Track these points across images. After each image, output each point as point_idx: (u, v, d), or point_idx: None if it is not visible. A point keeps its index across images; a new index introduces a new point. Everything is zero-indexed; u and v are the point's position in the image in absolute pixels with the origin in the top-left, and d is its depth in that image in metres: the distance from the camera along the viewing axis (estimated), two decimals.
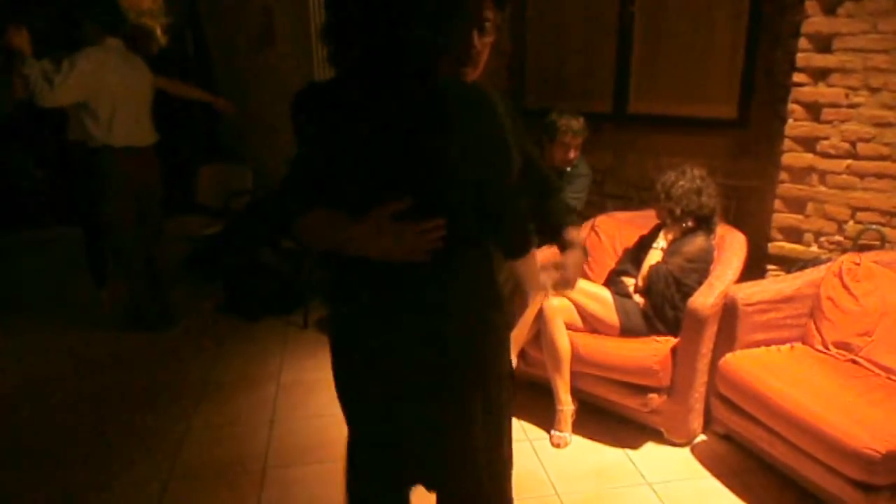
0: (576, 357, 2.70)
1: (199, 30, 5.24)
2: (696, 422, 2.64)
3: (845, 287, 2.61)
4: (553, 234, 1.59)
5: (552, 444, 2.68)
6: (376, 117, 1.20)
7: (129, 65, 3.43)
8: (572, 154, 3.34)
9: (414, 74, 1.19)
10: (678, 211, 2.71)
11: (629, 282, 2.85)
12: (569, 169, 3.40)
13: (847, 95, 2.75)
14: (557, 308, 2.72)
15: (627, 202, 3.69)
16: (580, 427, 2.74)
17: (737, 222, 3.08)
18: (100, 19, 3.37)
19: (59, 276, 4.63)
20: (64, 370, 3.35)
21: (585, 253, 1.64)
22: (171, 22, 5.65)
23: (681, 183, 2.71)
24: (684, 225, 2.75)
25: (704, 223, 2.75)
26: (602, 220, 3.33)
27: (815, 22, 2.75)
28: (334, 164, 1.25)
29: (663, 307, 2.67)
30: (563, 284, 1.52)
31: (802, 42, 2.79)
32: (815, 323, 2.62)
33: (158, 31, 4.70)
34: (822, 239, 2.92)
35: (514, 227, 1.33)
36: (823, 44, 2.76)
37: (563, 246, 1.58)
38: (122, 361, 3.45)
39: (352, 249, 1.25)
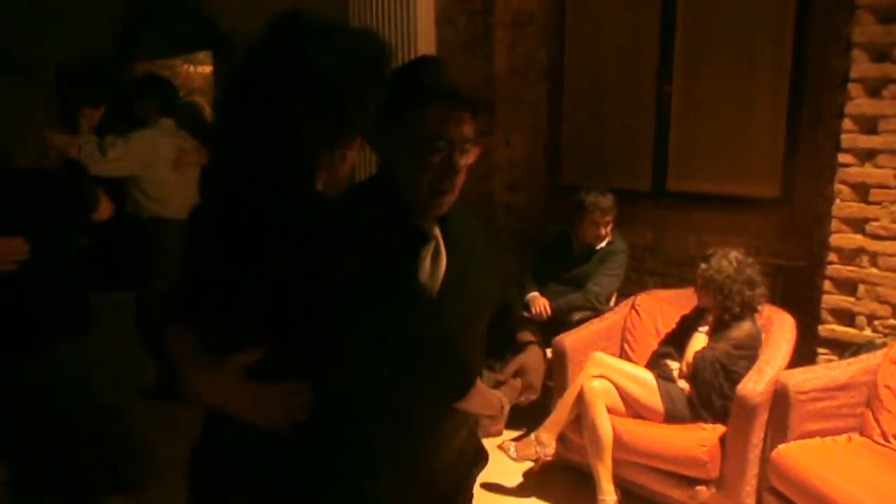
0: (618, 443, 2.59)
1: None
2: None
3: None
4: (507, 343, 1.43)
5: None
6: (240, 245, 1.03)
7: (180, 142, 3.59)
8: (603, 231, 3.34)
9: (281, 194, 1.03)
10: (735, 308, 2.62)
11: (673, 365, 2.76)
12: (602, 245, 3.38)
13: None
14: (598, 391, 2.64)
15: (668, 279, 3.62)
16: None
17: (784, 303, 2.99)
18: (157, 99, 3.58)
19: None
20: None
21: (543, 353, 1.47)
22: (219, 98, 5.90)
23: (731, 275, 2.62)
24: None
25: (749, 308, 2.67)
26: (643, 299, 3.26)
27: (860, 104, 2.73)
28: (202, 287, 1.10)
29: (710, 396, 2.57)
30: (528, 392, 1.34)
31: (847, 123, 2.76)
32: (873, 413, 2.49)
33: (207, 108, 4.90)
34: (876, 322, 2.81)
35: (444, 363, 1.13)
36: (868, 125, 2.73)
37: (517, 349, 1.41)
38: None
39: (203, 396, 1.09)
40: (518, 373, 1.34)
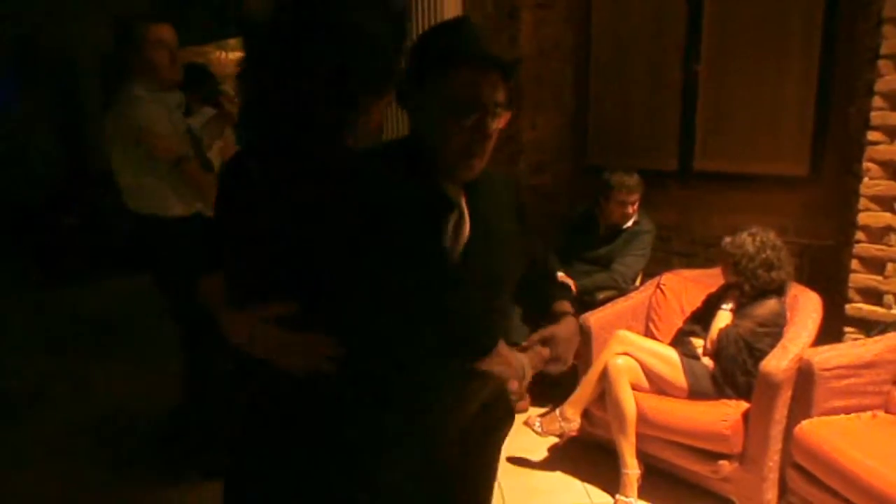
0: (642, 419, 2.64)
1: None
2: (771, 492, 2.52)
3: None
4: (542, 311, 1.43)
5: None
6: (278, 198, 1.07)
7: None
8: (629, 210, 3.36)
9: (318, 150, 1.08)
10: (747, 286, 2.66)
11: (697, 343, 2.78)
12: (628, 225, 3.40)
13: None
14: (623, 368, 2.69)
15: (694, 259, 3.63)
16: (647, 492, 2.65)
17: (811, 282, 2.98)
18: (198, 88, 3.54)
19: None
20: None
21: (579, 327, 1.47)
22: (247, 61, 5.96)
23: (750, 255, 2.64)
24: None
25: (776, 290, 2.68)
26: (668, 278, 3.28)
27: (890, 80, 2.69)
28: (234, 239, 1.14)
29: (734, 373, 2.59)
30: (556, 363, 1.34)
31: (877, 101, 2.73)
32: None
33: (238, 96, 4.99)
34: None
35: (464, 324, 1.18)
36: None
37: (552, 319, 1.40)
38: None
39: (233, 339, 1.14)
40: (546, 341, 1.34)
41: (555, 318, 1.40)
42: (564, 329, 1.37)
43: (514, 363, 1.25)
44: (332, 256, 1.04)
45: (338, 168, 1.07)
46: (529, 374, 1.28)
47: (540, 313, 1.43)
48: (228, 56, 6.87)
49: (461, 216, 1.25)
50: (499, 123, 1.21)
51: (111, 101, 2.66)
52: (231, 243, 1.14)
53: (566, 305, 1.44)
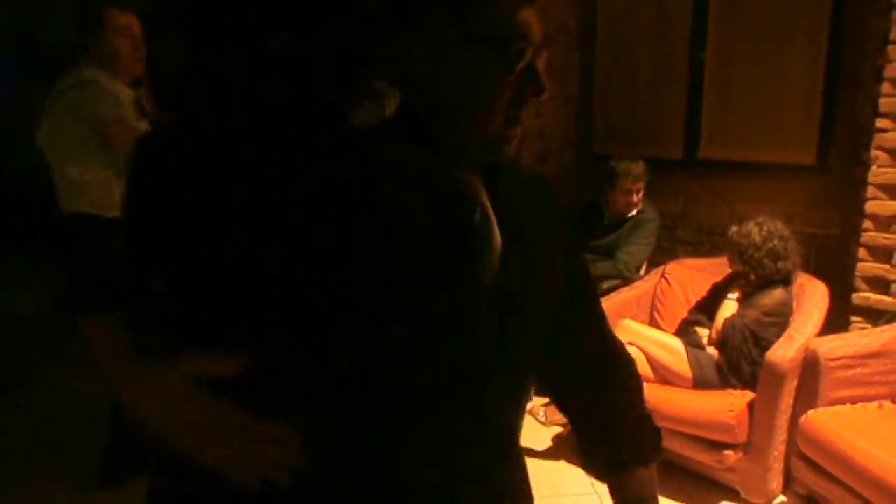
0: None
1: None
2: (776, 481, 2.51)
3: None
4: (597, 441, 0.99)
5: None
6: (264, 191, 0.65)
7: None
8: (635, 199, 3.34)
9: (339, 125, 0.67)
10: (752, 276, 2.64)
11: (702, 333, 2.77)
12: (633, 214, 3.38)
13: None
14: None
15: (699, 248, 3.61)
16: None
17: (817, 271, 2.96)
18: None
19: None
20: None
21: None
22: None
23: (756, 244, 2.62)
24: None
25: (782, 279, 2.66)
26: (673, 267, 3.26)
27: None
28: (161, 252, 0.69)
29: (739, 362, 2.58)
30: None
31: (886, 87, 2.70)
32: None
33: None
34: None
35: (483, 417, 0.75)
36: None
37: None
38: None
39: (136, 416, 0.71)
40: None
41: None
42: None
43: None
44: (328, 280, 0.63)
45: (337, 152, 0.66)
46: None
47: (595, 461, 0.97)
48: None
49: (486, 220, 0.73)
50: (542, 66, 0.78)
51: (55, 86, 2.37)
52: (154, 258, 0.70)
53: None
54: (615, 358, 0.97)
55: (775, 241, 2.64)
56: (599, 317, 0.94)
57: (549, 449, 2.97)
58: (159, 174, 0.70)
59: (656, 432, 1.00)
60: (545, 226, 0.87)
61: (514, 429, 0.83)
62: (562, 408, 1.00)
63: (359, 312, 0.64)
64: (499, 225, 0.75)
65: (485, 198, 0.74)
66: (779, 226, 2.69)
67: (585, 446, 0.99)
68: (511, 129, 0.76)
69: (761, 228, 2.66)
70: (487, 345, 0.72)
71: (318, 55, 0.68)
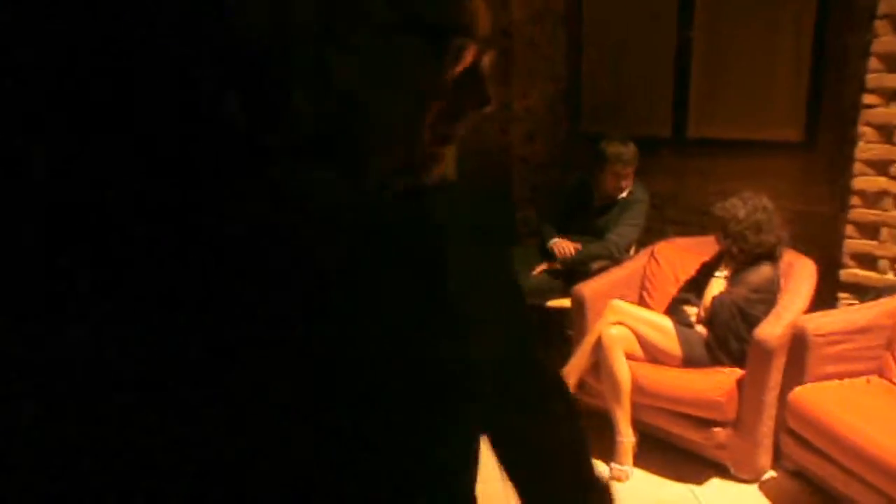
0: (636, 388, 2.64)
1: None
2: (765, 457, 2.54)
3: None
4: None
5: (612, 477, 2.62)
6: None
7: None
8: (624, 182, 3.32)
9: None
10: (734, 249, 2.64)
11: (691, 311, 2.78)
12: (623, 195, 3.37)
13: None
14: (616, 337, 2.68)
15: (688, 227, 3.61)
16: (642, 460, 2.67)
17: (805, 249, 2.97)
18: None
19: None
20: None
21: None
22: None
23: (739, 217, 2.62)
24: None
25: (767, 254, 2.66)
26: (662, 247, 3.26)
27: (886, 41, 2.65)
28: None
29: (727, 339, 2.59)
30: None
31: (873, 62, 2.69)
32: (893, 355, 2.49)
33: None
34: None
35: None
36: (895, 64, 2.65)
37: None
38: None
39: None
40: None
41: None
42: None
43: None
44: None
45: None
46: None
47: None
48: None
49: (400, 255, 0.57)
50: (486, 70, 0.63)
51: None
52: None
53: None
54: (550, 386, 0.75)
55: (758, 214, 2.63)
56: (525, 338, 0.72)
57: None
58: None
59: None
60: (477, 248, 0.66)
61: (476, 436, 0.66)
62: (497, 454, 0.75)
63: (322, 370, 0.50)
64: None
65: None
66: (763, 200, 2.68)
67: None
68: (440, 147, 0.60)
69: (745, 203, 2.66)
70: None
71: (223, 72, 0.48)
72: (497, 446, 0.74)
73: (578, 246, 3.33)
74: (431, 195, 0.61)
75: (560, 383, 0.76)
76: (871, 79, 2.71)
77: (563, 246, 3.35)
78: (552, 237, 3.43)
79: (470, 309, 0.60)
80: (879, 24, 2.65)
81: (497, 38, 3.85)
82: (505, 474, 0.75)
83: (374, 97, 0.54)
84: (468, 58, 0.58)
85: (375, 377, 0.52)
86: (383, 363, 0.53)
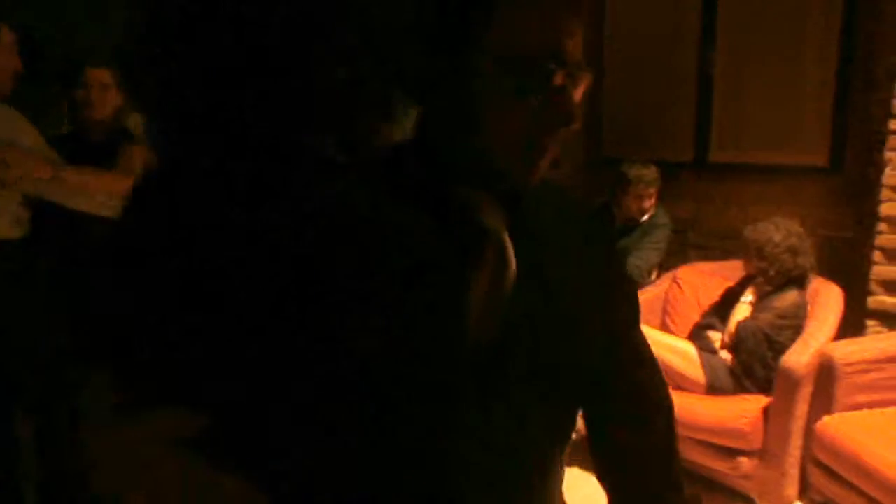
0: None
1: None
2: (792, 488, 2.48)
3: None
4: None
5: None
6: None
7: None
8: (647, 204, 3.31)
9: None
10: (772, 272, 2.61)
11: (715, 337, 2.74)
12: (645, 219, 3.36)
13: None
14: None
15: (710, 252, 3.58)
16: None
17: (832, 275, 2.92)
18: None
19: None
20: None
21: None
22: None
23: (775, 241, 2.61)
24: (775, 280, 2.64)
25: (797, 279, 2.63)
26: (684, 271, 3.23)
27: None
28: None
29: (753, 365, 2.55)
30: None
31: None
32: None
33: None
34: None
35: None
36: None
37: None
38: None
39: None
40: None
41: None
42: None
43: None
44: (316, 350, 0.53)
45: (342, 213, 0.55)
46: None
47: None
48: None
49: (503, 258, 0.65)
50: (580, 92, 0.69)
51: None
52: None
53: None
54: (651, 400, 0.88)
55: (793, 239, 2.62)
56: (636, 353, 0.85)
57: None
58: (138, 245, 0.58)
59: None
60: (577, 257, 0.76)
61: (547, 470, 0.76)
62: (594, 456, 0.90)
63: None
64: (520, 263, 0.66)
65: (500, 227, 0.65)
66: (795, 225, 2.68)
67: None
68: (534, 157, 0.68)
69: (778, 227, 2.65)
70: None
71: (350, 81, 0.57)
72: (597, 450, 0.88)
73: None
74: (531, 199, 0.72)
75: (663, 397, 0.89)
76: None
77: None
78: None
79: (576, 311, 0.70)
80: None
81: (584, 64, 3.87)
82: (599, 476, 0.89)
83: (464, 111, 0.65)
84: (557, 81, 0.65)
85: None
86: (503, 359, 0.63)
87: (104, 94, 2.43)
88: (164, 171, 0.60)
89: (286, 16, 0.53)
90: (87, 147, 2.29)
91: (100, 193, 2.11)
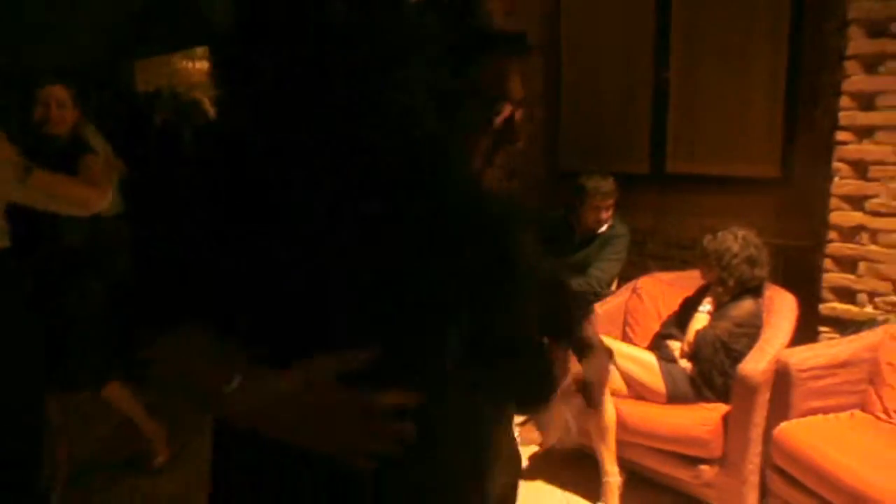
0: (621, 425, 2.61)
1: None
2: (752, 495, 2.50)
3: None
4: (565, 336, 1.13)
5: None
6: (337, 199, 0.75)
7: None
8: (604, 215, 3.34)
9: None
10: (730, 282, 2.66)
11: (675, 346, 2.77)
12: (603, 230, 3.39)
13: (895, 152, 2.69)
14: None
15: (669, 262, 3.63)
16: (629, 499, 2.62)
17: (785, 283, 2.99)
18: None
19: None
20: None
21: (609, 353, 1.33)
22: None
23: (734, 251, 2.65)
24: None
25: (754, 288, 2.68)
26: (644, 282, 3.27)
27: (857, 80, 2.72)
28: (243, 260, 0.75)
29: (711, 374, 2.58)
30: (589, 405, 1.20)
31: (844, 100, 2.76)
32: (874, 389, 2.49)
33: (207, 104, 4.90)
34: (878, 299, 2.81)
35: (533, 368, 0.94)
36: (866, 102, 2.72)
37: (581, 351, 1.17)
38: None
39: (243, 419, 0.75)
40: (580, 385, 1.16)
41: (581, 348, 1.15)
42: (596, 369, 1.16)
43: (559, 416, 1.08)
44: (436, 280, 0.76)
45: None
46: (573, 428, 1.09)
47: (564, 340, 1.13)
48: (195, 65, 6.78)
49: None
50: (520, 119, 1.05)
51: None
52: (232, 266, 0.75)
53: (593, 331, 1.18)
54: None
55: (751, 249, 2.67)
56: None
57: (525, 468, 2.92)
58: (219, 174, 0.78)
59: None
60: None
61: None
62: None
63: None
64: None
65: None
66: (752, 235, 2.72)
67: None
68: (486, 167, 1.00)
69: (736, 237, 2.69)
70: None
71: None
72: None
73: None
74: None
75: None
76: (844, 116, 2.77)
77: None
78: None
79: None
80: (849, 65, 2.73)
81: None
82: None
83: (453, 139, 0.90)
84: (506, 112, 0.99)
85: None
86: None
87: (62, 111, 2.54)
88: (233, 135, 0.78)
89: (363, 57, 0.73)
90: (47, 158, 2.30)
91: (67, 197, 2.27)
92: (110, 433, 3.18)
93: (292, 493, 0.79)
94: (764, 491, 2.52)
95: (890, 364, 2.49)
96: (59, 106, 2.56)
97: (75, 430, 3.01)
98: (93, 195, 2.34)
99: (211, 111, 5.02)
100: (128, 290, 0.85)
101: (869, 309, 2.83)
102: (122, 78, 6.43)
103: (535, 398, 0.98)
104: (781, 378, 2.42)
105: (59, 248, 2.52)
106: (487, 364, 0.84)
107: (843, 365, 2.49)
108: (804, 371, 2.41)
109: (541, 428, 1.01)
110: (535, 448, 2.95)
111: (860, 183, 2.77)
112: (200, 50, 6.52)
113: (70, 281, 2.56)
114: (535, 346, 0.95)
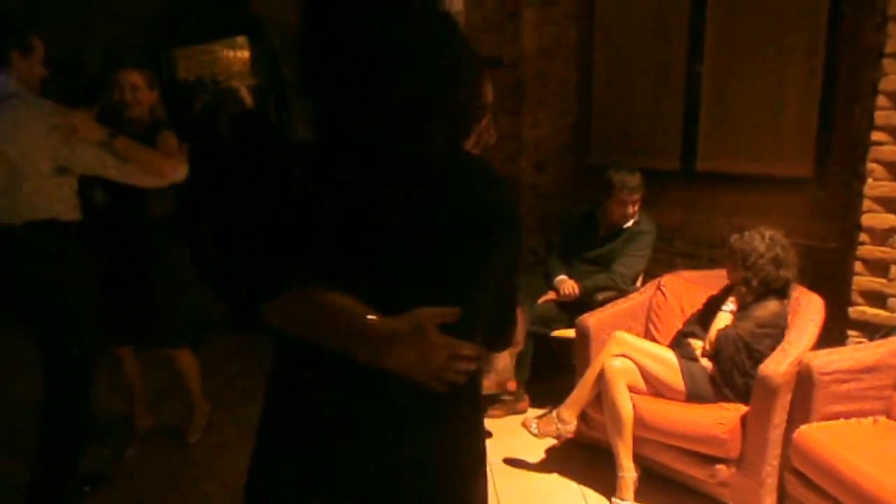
0: (638, 422, 2.61)
1: (282, 95, 5.53)
2: (769, 497, 2.48)
3: None
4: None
5: None
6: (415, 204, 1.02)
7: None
8: (630, 210, 3.32)
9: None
10: (754, 282, 2.63)
11: (696, 344, 2.75)
12: (629, 225, 3.37)
13: None
14: (619, 370, 2.66)
15: (697, 260, 3.59)
16: (643, 495, 2.62)
17: (814, 285, 2.93)
18: None
19: None
20: None
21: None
22: (258, 84, 5.99)
23: (760, 251, 2.62)
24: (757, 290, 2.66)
25: (779, 289, 2.64)
26: (669, 280, 3.24)
27: (894, 80, 2.65)
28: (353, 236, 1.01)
29: (732, 373, 2.56)
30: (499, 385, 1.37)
31: (881, 100, 2.69)
32: None
33: (244, 92, 4.98)
34: None
35: (510, 318, 1.22)
36: None
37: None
38: None
39: (361, 350, 0.99)
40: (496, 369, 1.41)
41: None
42: (504, 359, 1.55)
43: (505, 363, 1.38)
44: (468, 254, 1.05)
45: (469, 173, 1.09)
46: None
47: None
48: (236, 54, 6.90)
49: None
50: (490, 120, 1.44)
51: None
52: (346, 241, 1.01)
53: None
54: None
55: (778, 250, 2.64)
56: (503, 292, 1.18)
57: (542, 461, 2.95)
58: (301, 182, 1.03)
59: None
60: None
61: None
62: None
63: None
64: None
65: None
66: (780, 235, 2.69)
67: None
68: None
69: (763, 237, 2.66)
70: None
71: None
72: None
73: (577, 287, 3.31)
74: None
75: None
76: (880, 116, 2.70)
77: (567, 286, 3.34)
78: (558, 273, 3.43)
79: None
80: (887, 63, 2.65)
81: (511, 69, 3.91)
82: None
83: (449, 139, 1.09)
84: (487, 115, 1.45)
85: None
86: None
87: (136, 94, 2.74)
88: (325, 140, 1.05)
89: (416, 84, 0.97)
90: (128, 135, 2.51)
91: (145, 165, 2.50)
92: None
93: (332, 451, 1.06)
94: (781, 493, 2.50)
95: None
96: (134, 89, 2.73)
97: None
98: (168, 165, 2.60)
99: (248, 99, 5.11)
100: (265, 244, 1.04)
101: None
102: (165, 66, 6.58)
103: (503, 338, 1.22)
104: (804, 380, 2.39)
105: (150, 219, 2.80)
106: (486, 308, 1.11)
107: (869, 370, 2.44)
108: (827, 374, 2.37)
109: (489, 369, 1.31)
110: (552, 441, 2.97)
111: (894, 185, 2.71)
112: (241, 39, 6.63)
113: (165, 248, 2.87)
114: (511, 292, 1.20)
